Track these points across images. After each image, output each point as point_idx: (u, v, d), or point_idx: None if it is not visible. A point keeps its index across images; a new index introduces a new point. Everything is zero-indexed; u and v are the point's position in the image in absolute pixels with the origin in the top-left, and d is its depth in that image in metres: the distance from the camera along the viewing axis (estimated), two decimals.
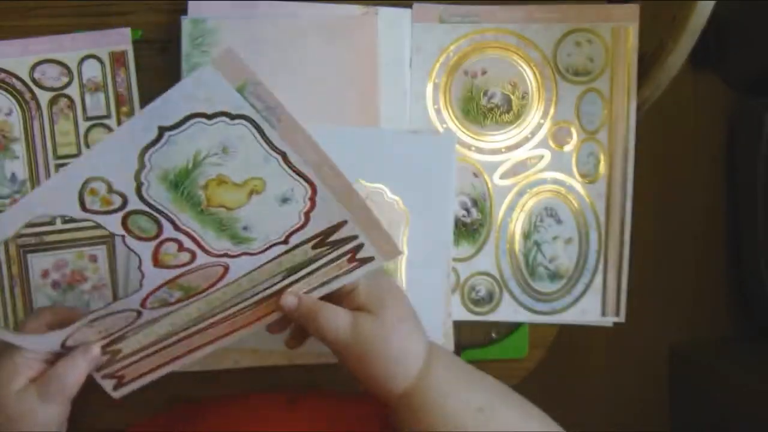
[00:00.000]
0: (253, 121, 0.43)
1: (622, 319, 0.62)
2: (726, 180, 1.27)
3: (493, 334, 0.62)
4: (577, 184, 0.61)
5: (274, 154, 0.44)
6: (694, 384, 1.24)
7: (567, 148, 0.61)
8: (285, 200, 0.46)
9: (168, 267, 0.48)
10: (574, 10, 0.60)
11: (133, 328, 0.50)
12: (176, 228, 0.46)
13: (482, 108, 0.61)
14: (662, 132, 1.25)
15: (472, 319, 0.61)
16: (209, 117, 0.43)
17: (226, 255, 0.48)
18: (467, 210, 0.61)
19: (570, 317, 0.62)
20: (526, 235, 0.61)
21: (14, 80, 0.58)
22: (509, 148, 0.61)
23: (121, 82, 0.59)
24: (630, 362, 1.28)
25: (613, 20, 0.60)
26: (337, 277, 0.49)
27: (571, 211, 0.62)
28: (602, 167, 0.61)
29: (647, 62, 0.60)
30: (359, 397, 0.54)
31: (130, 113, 0.59)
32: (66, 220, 0.59)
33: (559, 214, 0.62)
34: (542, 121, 0.61)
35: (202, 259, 0.48)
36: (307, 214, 0.47)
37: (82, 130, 0.59)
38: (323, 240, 0.48)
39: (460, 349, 0.61)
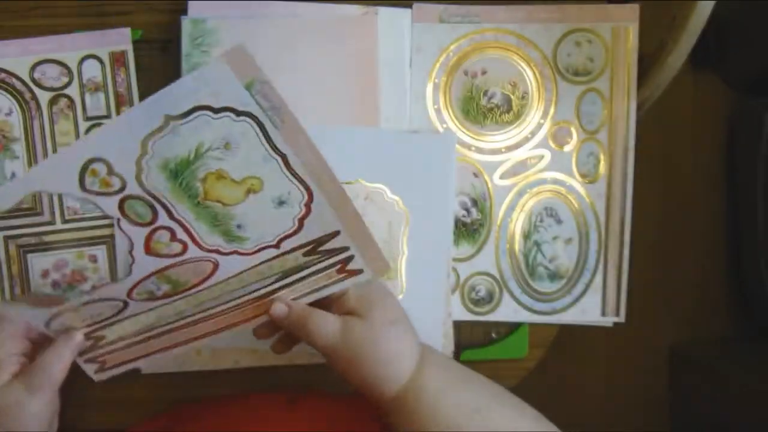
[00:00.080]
0: (258, 119, 0.43)
1: (622, 319, 0.62)
2: (726, 180, 1.27)
3: (493, 334, 0.62)
4: (577, 184, 0.61)
5: (275, 155, 0.44)
6: (694, 384, 1.24)
7: (567, 148, 0.61)
8: (281, 203, 0.46)
9: (159, 255, 0.48)
10: (574, 10, 0.61)
11: (119, 318, 0.51)
12: (171, 217, 0.46)
13: (482, 108, 0.61)
14: (662, 132, 1.25)
15: (472, 319, 0.61)
16: (215, 111, 0.43)
17: (217, 251, 0.48)
18: (467, 210, 0.61)
19: (570, 317, 0.62)
20: (526, 235, 0.61)
21: (14, 80, 0.58)
22: (509, 148, 0.61)
23: (121, 82, 0.59)
24: (630, 362, 1.28)
25: (613, 20, 0.60)
26: (325, 286, 0.49)
27: (571, 211, 0.62)
28: (602, 167, 0.61)
29: (647, 62, 0.60)
30: (359, 397, 0.54)
31: None
32: (66, 219, 0.59)
33: (559, 214, 0.62)
34: (542, 121, 0.61)
35: (193, 252, 0.48)
36: (301, 221, 0.47)
37: (82, 130, 0.59)
38: (315, 248, 0.48)
39: (460, 349, 0.61)
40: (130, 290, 0.49)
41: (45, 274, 0.59)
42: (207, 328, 0.52)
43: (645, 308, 1.24)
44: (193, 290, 0.50)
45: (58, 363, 0.48)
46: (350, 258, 0.48)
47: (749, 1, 1.10)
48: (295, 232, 0.47)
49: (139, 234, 0.47)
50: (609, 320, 0.62)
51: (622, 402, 1.28)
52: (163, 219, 0.47)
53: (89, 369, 0.53)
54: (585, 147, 0.61)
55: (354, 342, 0.48)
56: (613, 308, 0.62)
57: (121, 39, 0.59)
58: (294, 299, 0.50)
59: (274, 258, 0.48)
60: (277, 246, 0.48)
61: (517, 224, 0.61)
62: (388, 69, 0.60)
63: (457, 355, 0.61)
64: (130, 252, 0.48)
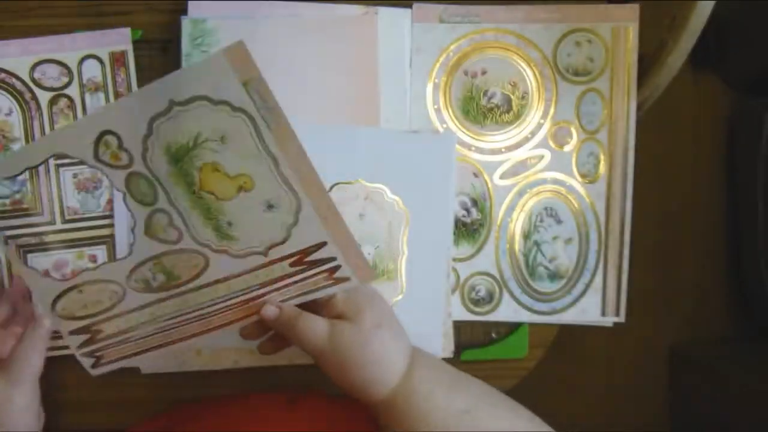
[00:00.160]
0: (252, 118, 0.44)
1: (622, 319, 0.62)
2: (726, 180, 1.27)
3: (493, 334, 0.62)
4: (577, 184, 0.61)
5: (266, 156, 0.45)
6: (694, 384, 1.24)
7: (567, 148, 0.61)
8: (270, 206, 0.47)
9: (156, 239, 0.49)
10: (574, 10, 0.61)
11: (116, 313, 0.52)
12: (169, 202, 0.47)
13: (482, 108, 0.61)
14: (662, 132, 1.25)
15: (472, 319, 0.61)
16: (213, 103, 0.44)
17: (208, 247, 0.49)
18: (467, 210, 0.61)
19: (570, 317, 0.62)
20: (526, 235, 0.61)
21: (14, 80, 0.58)
22: (509, 148, 0.61)
23: (121, 82, 0.59)
24: (630, 362, 1.28)
25: (613, 20, 0.60)
26: (313, 291, 0.50)
27: (571, 211, 0.62)
28: (602, 167, 0.61)
29: (647, 62, 0.60)
30: None
31: None
32: (66, 219, 0.59)
33: (559, 214, 0.62)
34: (542, 121, 0.61)
35: (187, 242, 0.49)
36: (289, 229, 0.47)
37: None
38: (301, 259, 0.48)
39: (460, 349, 0.61)
40: (129, 274, 0.50)
41: (45, 274, 0.59)
42: (198, 328, 0.53)
43: (645, 308, 1.24)
44: (184, 287, 0.51)
45: (33, 352, 0.51)
46: (337, 267, 0.48)
47: (749, 1, 1.10)
48: (282, 242, 0.48)
49: (141, 213, 0.48)
50: (609, 320, 0.62)
51: (622, 402, 1.28)
52: (163, 202, 0.48)
53: (86, 363, 0.54)
54: (585, 147, 0.61)
55: (342, 345, 0.48)
56: (613, 308, 0.62)
57: (121, 39, 0.59)
58: (282, 302, 0.50)
59: (261, 266, 0.49)
60: (264, 254, 0.48)
61: (517, 224, 0.61)
62: (388, 69, 0.60)
63: (457, 355, 0.61)
64: (132, 230, 0.49)
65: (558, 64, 0.61)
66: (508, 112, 0.61)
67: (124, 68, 0.59)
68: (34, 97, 0.59)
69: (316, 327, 0.49)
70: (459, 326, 0.61)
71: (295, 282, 0.50)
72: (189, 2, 0.58)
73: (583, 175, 0.62)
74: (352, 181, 0.59)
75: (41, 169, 0.59)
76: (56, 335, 0.55)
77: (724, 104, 1.26)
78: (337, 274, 0.49)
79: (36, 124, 0.59)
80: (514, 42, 0.61)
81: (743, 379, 1.11)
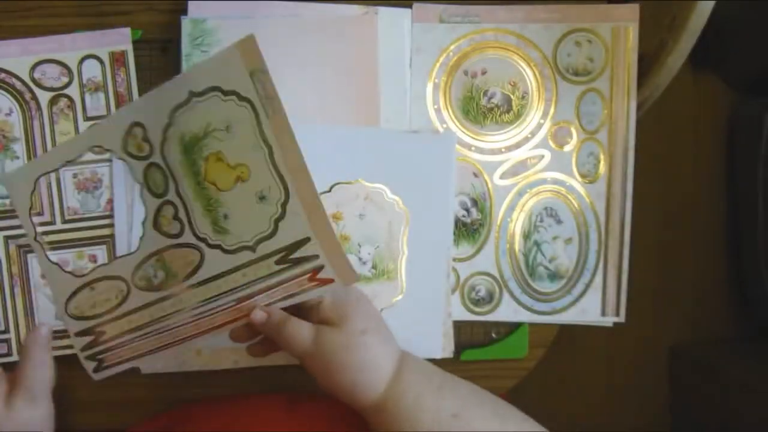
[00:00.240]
0: (255, 107, 0.46)
1: (622, 319, 0.62)
2: (726, 180, 1.27)
3: (493, 334, 0.62)
4: (577, 184, 0.61)
5: (263, 146, 0.47)
6: (694, 384, 1.24)
7: (567, 148, 0.61)
8: (261, 198, 0.48)
9: (162, 233, 0.51)
10: (574, 10, 0.61)
11: (119, 314, 0.53)
12: (176, 192, 0.49)
13: (482, 108, 0.61)
14: (662, 132, 1.25)
15: (472, 319, 0.61)
16: (224, 93, 0.46)
17: (205, 241, 0.50)
18: (467, 210, 0.61)
19: (570, 317, 0.62)
20: (526, 235, 0.61)
21: (14, 80, 0.58)
22: (509, 148, 0.61)
23: (121, 82, 0.59)
24: (630, 362, 1.28)
25: (613, 20, 0.60)
26: (298, 294, 0.50)
27: (571, 211, 0.62)
28: (602, 167, 0.61)
29: (647, 62, 0.60)
30: None
31: None
32: (66, 219, 0.59)
33: (559, 214, 0.62)
34: (542, 121, 0.61)
35: (187, 236, 0.50)
36: (276, 222, 0.48)
37: (82, 130, 0.59)
38: (286, 256, 0.49)
39: (460, 349, 0.61)
40: (135, 270, 0.52)
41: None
42: (191, 331, 0.53)
43: (645, 308, 1.25)
44: (180, 285, 0.51)
45: (42, 366, 0.50)
46: (321, 267, 0.49)
47: (749, 1, 1.10)
48: (270, 235, 0.49)
49: (152, 205, 0.50)
50: (609, 320, 0.62)
51: (622, 402, 1.28)
52: (172, 193, 0.50)
53: (89, 366, 0.54)
54: (585, 147, 0.61)
55: (326, 350, 0.49)
56: (613, 308, 0.62)
57: (121, 39, 0.59)
58: (268, 304, 0.51)
59: (249, 263, 0.49)
60: (253, 249, 0.49)
61: (517, 224, 0.61)
62: (388, 69, 0.60)
63: (457, 355, 0.61)
64: (143, 223, 0.51)
65: (558, 64, 0.61)
66: (508, 112, 0.61)
67: (124, 68, 0.59)
68: (34, 97, 0.59)
69: (301, 331, 0.49)
70: (459, 326, 0.61)
71: (280, 282, 0.50)
72: (189, 2, 0.59)
73: (583, 175, 0.62)
74: (352, 181, 0.59)
75: None
76: (57, 335, 0.56)
77: (724, 104, 1.26)
78: (321, 275, 0.49)
79: (36, 124, 0.59)
80: (514, 42, 0.61)
81: (743, 379, 1.11)
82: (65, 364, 0.57)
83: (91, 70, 0.59)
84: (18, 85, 0.58)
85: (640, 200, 0.62)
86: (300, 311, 0.51)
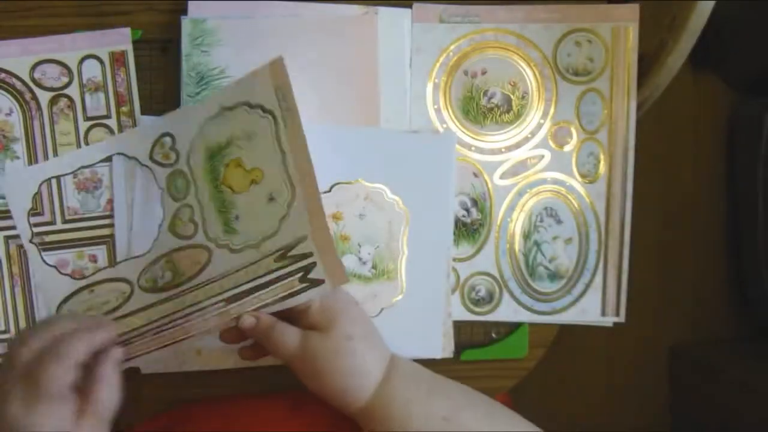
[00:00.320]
0: (276, 118, 0.50)
1: (622, 319, 0.62)
2: (726, 180, 1.27)
3: (493, 334, 0.62)
4: (577, 184, 0.61)
5: (279, 152, 0.49)
6: (694, 384, 1.24)
7: (567, 148, 0.61)
8: (271, 199, 0.50)
9: (175, 235, 0.53)
10: (574, 10, 0.61)
11: (119, 315, 0.54)
12: (195, 196, 0.53)
13: (482, 108, 0.61)
14: (662, 132, 1.25)
15: (472, 319, 0.61)
16: (251, 106, 0.50)
17: (215, 241, 0.52)
18: (467, 210, 0.61)
19: (570, 317, 0.62)
20: (526, 235, 0.61)
21: (14, 80, 0.58)
22: (509, 148, 0.61)
23: (121, 82, 0.59)
24: (630, 362, 1.28)
25: (613, 20, 0.60)
26: (288, 296, 0.51)
27: (571, 211, 0.62)
28: (602, 167, 0.61)
29: (647, 62, 0.60)
30: None
31: (130, 113, 0.59)
32: (66, 219, 0.59)
33: (559, 214, 0.62)
34: (542, 121, 0.61)
35: (199, 237, 0.53)
36: (281, 221, 0.50)
37: (82, 130, 0.59)
38: (285, 253, 0.50)
39: (460, 349, 0.61)
40: (143, 272, 0.54)
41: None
42: (182, 333, 0.53)
43: (645, 308, 1.25)
44: (184, 286, 0.52)
45: (113, 390, 0.47)
46: (312, 266, 0.50)
47: (749, 1, 1.10)
48: (273, 234, 0.50)
49: (171, 209, 0.54)
50: (609, 320, 0.62)
51: (622, 402, 1.28)
52: (191, 196, 0.53)
53: None
54: (585, 147, 0.61)
55: (312, 355, 0.49)
56: (613, 308, 0.62)
57: (121, 39, 0.59)
58: (258, 308, 0.51)
59: (252, 263, 0.51)
60: (257, 247, 0.51)
61: (517, 224, 0.61)
62: (388, 69, 0.60)
63: (457, 355, 0.61)
64: (159, 226, 0.54)
65: (558, 64, 0.61)
66: (508, 112, 0.61)
67: (124, 68, 0.59)
68: (34, 97, 0.59)
69: (289, 336, 0.50)
70: (459, 326, 0.61)
71: (273, 281, 0.50)
72: (189, 2, 0.59)
73: (583, 175, 0.62)
74: (352, 181, 0.59)
75: None
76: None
77: (724, 104, 1.26)
78: (311, 275, 0.50)
79: (36, 124, 0.59)
80: (514, 42, 0.61)
81: (743, 379, 1.11)
82: None
83: (91, 70, 0.59)
84: (18, 85, 0.58)
85: (640, 200, 0.61)
86: (289, 316, 0.51)
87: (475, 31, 0.61)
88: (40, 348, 0.45)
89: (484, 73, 0.61)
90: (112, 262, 0.58)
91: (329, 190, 0.59)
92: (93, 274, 0.54)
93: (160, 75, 0.60)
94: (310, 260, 0.49)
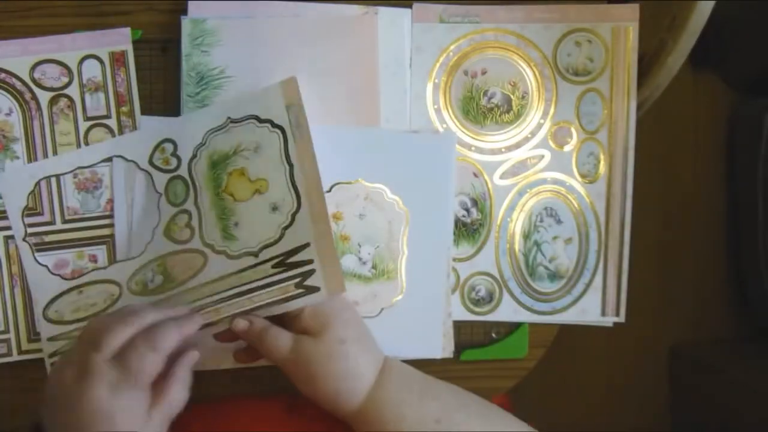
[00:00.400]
0: (285, 134, 0.51)
1: (622, 319, 0.62)
2: (726, 180, 1.27)
3: (493, 334, 0.62)
4: (577, 184, 0.61)
5: (286, 164, 0.51)
6: (694, 384, 1.24)
7: (567, 148, 0.61)
8: (275, 208, 0.51)
9: (170, 239, 0.54)
10: (574, 10, 0.60)
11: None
12: (194, 202, 0.54)
13: (482, 108, 0.61)
14: (662, 132, 1.25)
15: (472, 319, 0.61)
16: (260, 120, 0.52)
17: (211, 247, 0.52)
18: (467, 210, 0.61)
19: (570, 317, 0.62)
20: (526, 235, 0.61)
21: (14, 80, 0.58)
22: (509, 148, 0.61)
23: (121, 82, 0.59)
24: (630, 362, 1.28)
25: (613, 20, 0.60)
26: (282, 301, 0.51)
27: (571, 211, 0.62)
28: (602, 167, 0.61)
29: (647, 62, 0.60)
30: None
31: (130, 113, 0.59)
32: (66, 219, 0.59)
33: (559, 214, 0.62)
34: (542, 121, 0.61)
35: (195, 242, 0.53)
36: (284, 230, 0.51)
37: (82, 130, 0.59)
38: (284, 260, 0.51)
39: (460, 349, 0.61)
40: (133, 275, 0.54)
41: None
42: None
43: (645, 308, 1.25)
44: (175, 290, 0.53)
45: (185, 390, 0.49)
46: (311, 272, 0.50)
47: (749, 1, 1.10)
48: (275, 242, 0.51)
49: (168, 213, 0.54)
50: (609, 320, 0.62)
51: (622, 402, 1.28)
52: (190, 203, 0.54)
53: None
54: (585, 147, 0.61)
55: (304, 360, 0.49)
56: (613, 308, 0.62)
57: (121, 39, 0.59)
58: (250, 310, 0.52)
59: (249, 267, 0.51)
60: (256, 255, 0.51)
61: (517, 224, 0.61)
62: (388, 69, 0.60)
63: (457, 355, 0.61)
64: (154, 229, 0.55)
65: (558, 64, 0.61)
66: (508, 112, 0.61)
67: (124, 68, 0.59)
68: (34, 97, 0.59)
69: (280, 340, 0.50)
70: (459, 326, 0.61)
71: (268, 285, 0.51)
72: (189, 2, 0.59)
73: (583, 175, 0.62)
74: (352, 181, 0.59)
75: None
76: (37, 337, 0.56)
77: (724, 104, 1.26)
78: (308, 282, 0.50)
79: (36, 124, 0.59)
80: (514, 42, 0.61)
81: (743, 379, 1.11)
82: None
83: (91, 70, 0.59)
84: (18, 85, 0.58)
85: (640, 200, 0.61)
86: (282, 320, 0.51)
87: (475, 31, 0.61)
88: (130, 335, 0.46)
89: (484, 73, 0.61)
90: (112, 262, 0.58)
91: (329, 190, 0.59)
92: (84, 274, 0.55)
93: (160, 75, 0.60)
94: (309, 267, 0.50)
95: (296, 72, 0.59)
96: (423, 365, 0.58)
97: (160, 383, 0.47)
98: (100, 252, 0.59)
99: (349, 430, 0.53)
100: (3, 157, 0.58)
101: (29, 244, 0.56)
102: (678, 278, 1.28)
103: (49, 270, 0.55)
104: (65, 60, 0.59)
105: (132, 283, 0.54)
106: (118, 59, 0.59)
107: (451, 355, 0.60)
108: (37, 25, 0.59)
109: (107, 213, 0.58)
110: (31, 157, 0.59)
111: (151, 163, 0.55)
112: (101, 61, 0.59)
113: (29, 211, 0.58)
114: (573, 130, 0.61)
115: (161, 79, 0.60)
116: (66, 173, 0.57)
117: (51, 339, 0.55)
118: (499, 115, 0.61)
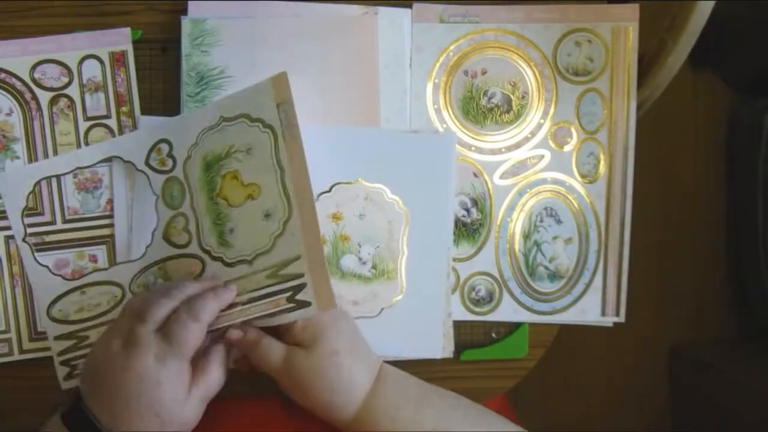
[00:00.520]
0: (276, 133, 0.50)
1: (622, 319, 0.62)
2: (726, 180, 1.27)
3: (493, 334, 0.62)
4: (577, 184, 0.61)
5: (277, 168, 0.50)
6: (694, 384, 1.24)
7: (567, 148, 0.61)
8: (267, 215, 0.50)
9: (170, 242, 0.53)
10: (574, 10, 0.61)
11: (107, 320, 0.55)
12: (191, 206, 0.53)
13: (482, 108, 0.61)
14: (662, 132, 1.25)
15: (472, 319, 0.61)
16: (251, 120, 0.51)
17: (209, 253, 0.52)
18: (467, 210, 0.61)
19: (570, 317, 0.62)
20: (526, 235, 0.61)
21: (14, 80, 0.58)
22: (509, 148, 0.61)
23: (121, 82, 0.59)
24: (630, 362, 1.28)
25: (613, 20, 0.60)
26: (272, 315, 0.51)
27: (571, 211, 0.62)
28: (602, 167, 0.61)
29: (647, 62, 0.60)
30: None
31: (130, 113, 0.59)
32: (66, 219, 0.59)
33: (559, 214, 0.62)
34: (542, 121, 0.61)
35: (193, 247, 0.52)
36: (276, 239, 0.50)
37: (82, 130, 0.59)
38: (277, 271, 0.50)
39: (460, 349, 0.61)
40: (135, 277, 0.54)
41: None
42: None
43: (645, 308, 1.25)
44: None
45: (222, 372, 0.50)
46: (302, 286, 0.50)
47: (749, 1, 1.10)
48: (267, 251, 0.50)
49: (165, 216, 0.54)
50: (609, 320, 0.62)
51: (622, 402, 1.28)
52: (186, 205, 0.53)
53: (61, 372, 0.56)
54: (585, 147, 0.61)
55: (296, 371, 0.49)
56: (613, 308, 0.62)
57: (121, 39, 0.59)
58: (242, 321, 0.51)
59: (243, 277, 0.51)
60: (250, 263, 0.51)
61: (517, 224, 0.61)
62: (388, 69, 0.60)
63: (457, 355, 0.61)
64: (153, 232, 0.54)
65: (558, 64, 0.61)
66: (508, 112, 0.61)
67: (124, 68, 0.59)
68: (35, 97, 0.59)
69: (272, 352, 0.50)
70: (459, 326, 0.61)
71: (261, 297, 0.51)
72: (189, 2, 0.59)
73: (583, 175, 0.62)
74: (352, 181, 0.59)
75: None
76: (40, 336, 0.56)
77: (724, 104, 1.26)
78: (300, 296, 0.50)
79: (36, 124, 0.59)
80: (514, 42, 0.61)
81: (743, 379, 1.11)
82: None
83: (91, 70, 0.59)
84: (18, 85, 0.58)
85: (640, 200, 0.62)
86: (278, 330, 0.51)
87: (475, 31, 0.61)
88: (173, 307, 0.47)
89: (484, 73, 0.61)
90: (113, 262, 0.58)
91: (329, 190, 0.59)
92: (86, 275, 0.55)
93: (160, 75, 0.60)
94: (300, 281, 0.49)
95: (296, 72, 0.59)
96: (423, 365, 0.58)
97: (199, 364, 0.48)
98: (100, 252, 0.59)
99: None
100: (3, 157, 0.58)
101: (29, 245, 0.56)
102: (678, 278, 1.28)
103: (50, 270, 0.55)
104: (65, 60, 0.59)
105: (134, 286, 0.54)
106: (118, 59, 0.59)
107: (451, 355, 0.60)
108: (37, 25, 0.59)
109: (107, 213, 0.59)
110: (32, 157, 0.59)
111: (148, 164, 0.54)
112: (101, 61, 0.59)
113: (29, 211, 0.58)
114: (573, 130, 0.61)
115: (161, 79, 0.60)
116: (66, 173, 0.56)
117: (58, 338, 0.55)
118: (499, 115, 0.61)
